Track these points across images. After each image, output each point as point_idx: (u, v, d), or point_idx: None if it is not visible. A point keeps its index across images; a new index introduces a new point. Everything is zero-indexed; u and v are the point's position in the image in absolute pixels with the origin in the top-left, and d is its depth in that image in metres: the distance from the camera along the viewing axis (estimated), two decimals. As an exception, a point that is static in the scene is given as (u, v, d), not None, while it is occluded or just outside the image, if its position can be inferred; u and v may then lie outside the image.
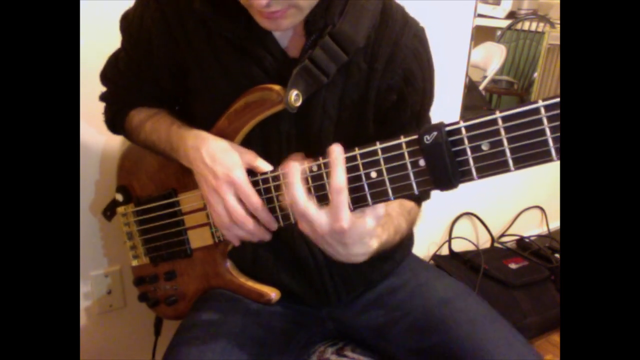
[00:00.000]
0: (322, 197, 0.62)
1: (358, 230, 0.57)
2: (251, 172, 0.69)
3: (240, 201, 0.67)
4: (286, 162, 0.59)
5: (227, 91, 0.73)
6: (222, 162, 0.67)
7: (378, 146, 0.56)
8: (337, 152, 0.55)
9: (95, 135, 1.07)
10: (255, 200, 0.66)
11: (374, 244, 0.61)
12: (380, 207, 0.58)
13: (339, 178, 0.54)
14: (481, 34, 1.63)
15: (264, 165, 0.69)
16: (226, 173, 0.66)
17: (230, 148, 0.70)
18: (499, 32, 1.82)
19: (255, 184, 0.68)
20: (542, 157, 0.46)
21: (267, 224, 0.69)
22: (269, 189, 0.67)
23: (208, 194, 0.69)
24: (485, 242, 1.91)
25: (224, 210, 0.67)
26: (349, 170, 0.57)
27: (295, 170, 0.56)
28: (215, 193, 0.67)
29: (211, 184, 0.67)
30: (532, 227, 2.08)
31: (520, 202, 2.00)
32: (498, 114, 0.48)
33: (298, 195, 0.55)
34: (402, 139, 0.54)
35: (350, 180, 0.57)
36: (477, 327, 0.73)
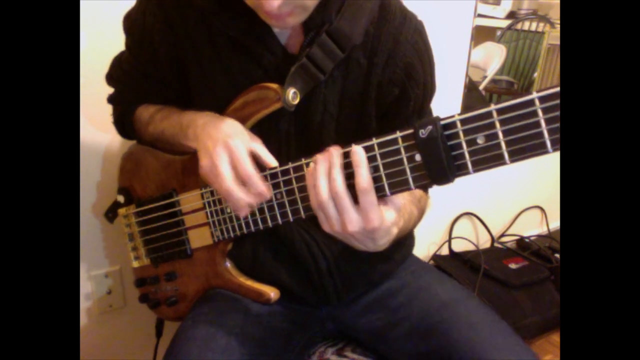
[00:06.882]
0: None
1: (386, 225, 0.57)
2: (260, 167, 0.67)
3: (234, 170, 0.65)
4: (325, 152, 0.57)
5: (226, 89, 0.73)
6: (224, 130, 0.67)
7: (374, 141, 0.56)
8: (359, 154, 0.55)
9: (97, 137, 1.08)
10: (246, 167, 0.64)
11: (394, 231, 0.62)
12: (399, 198, 0.59)
13: (364, 178, 0.54)
14: (481, 34, 1.63)
15: (269, 158, 0.68)
16: (224, 139, 0.65)
17: (240, 128, 0.69)
18: (499, 32, 1.82)
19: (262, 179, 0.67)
20: (538, 149, 0.46)
21: (259, 195, 0.65)
22: (278, 184, 0.66)
23: (202, 160, 0.67)
24: (485, 242, 1.90)
25: (214, 176, 0.65)
26: (346, 166, 0.57)
27: (337, 158, 0.56)
28: (209, 158, 0.65)
29: (208, 149, 0.66)
30: (532, 227, 2.07)
31: (520, 202, 1.99)
32: (493, 107, 0.48)
33: (342, 190, 0.55)
34: (398, 134, 0.54)
35: (348, 177, 0.57)
36: (477, 332, 0.72)
